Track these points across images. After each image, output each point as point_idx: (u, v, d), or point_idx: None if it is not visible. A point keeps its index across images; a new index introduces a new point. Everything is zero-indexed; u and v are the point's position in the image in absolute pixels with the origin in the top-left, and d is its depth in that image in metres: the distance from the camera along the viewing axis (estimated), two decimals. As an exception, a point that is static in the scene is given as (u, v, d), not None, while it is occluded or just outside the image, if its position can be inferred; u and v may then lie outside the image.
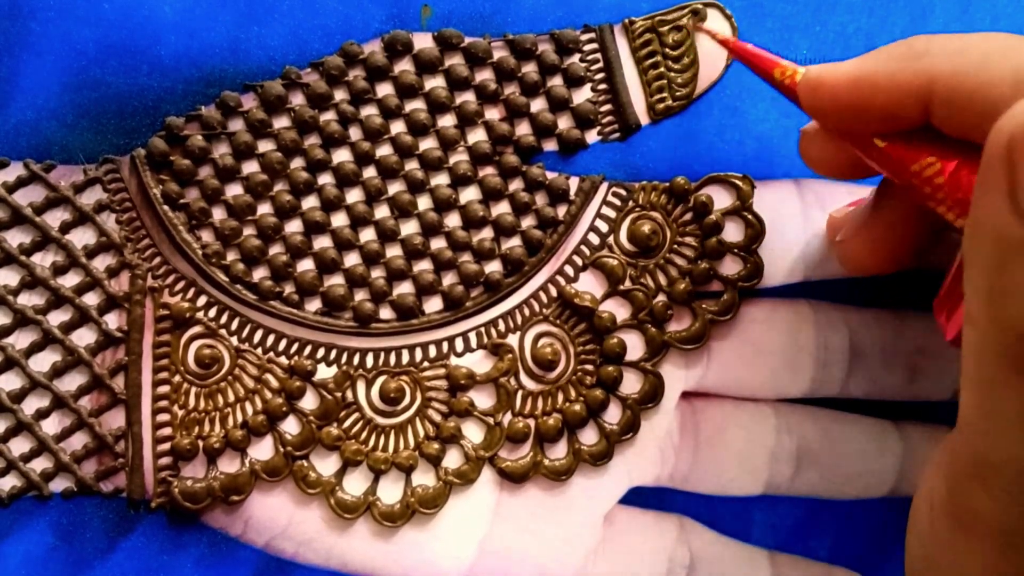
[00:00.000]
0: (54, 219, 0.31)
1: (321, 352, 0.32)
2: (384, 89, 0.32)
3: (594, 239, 0.32)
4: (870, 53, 0.25)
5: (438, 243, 0.32)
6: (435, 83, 0.32)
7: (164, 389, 0.31)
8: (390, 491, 0.31)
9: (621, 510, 0.32)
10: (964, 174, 0.24)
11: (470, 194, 0.32)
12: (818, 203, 0.32)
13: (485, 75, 0.32)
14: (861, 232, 0.29)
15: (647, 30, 0.32)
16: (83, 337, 0.31)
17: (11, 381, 0.31)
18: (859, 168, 0.27)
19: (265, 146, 0.31)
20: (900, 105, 0.24)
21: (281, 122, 0.31)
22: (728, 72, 0.32)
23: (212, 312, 0.31)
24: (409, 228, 0.32)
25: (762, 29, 0.32)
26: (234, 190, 0.31)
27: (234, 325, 0.31)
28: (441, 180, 0.32)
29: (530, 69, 0.32)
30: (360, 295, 0.32)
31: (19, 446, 0.31)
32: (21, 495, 0.31)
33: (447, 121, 0.32)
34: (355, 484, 0.31)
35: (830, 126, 0.26)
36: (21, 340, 0.31)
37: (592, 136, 0.32)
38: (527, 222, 0.32)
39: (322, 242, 0.32)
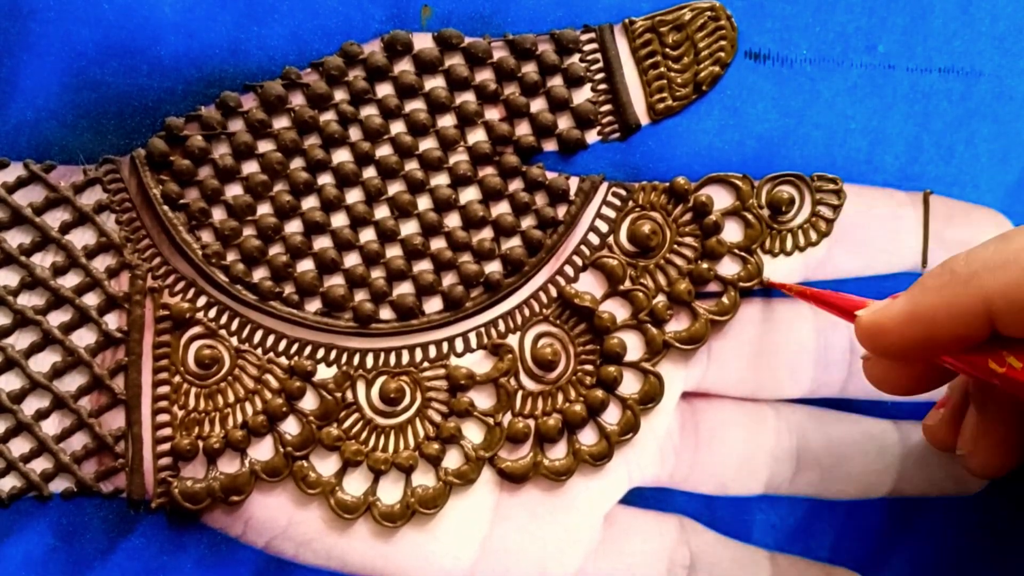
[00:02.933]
0: (54, 219, 0.31)
1: (321, 352, 0.32)
2: (384, 89, 0.32)
3: (594, 239, 0.32)
4: (914, 287, 0.26)
5: (438, 243, 0.32)
6: (435, 83, 0.32)
7: (164, 389, 0.31)
8: (390, 491, 0.31)
9: (621, 510, 0.32)
10: None
11: (470, 194, 0.32)
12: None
13: (485, 75, 0.32)
14: (982, 440, 0.29)
15: (647, 30, 0.32)
16: (83, 337, 0.31)
17: (11, 381, 0.31)
18: (929, 380, 0.28)
19: (265, 146, 0.31)
20: (965, 330, 0.24)
21: (281, 122, 0.31)
22: (728, 72, 0.32)
23: (212, 312, 0.31)
24: (409, 228, 0.32)
25: (762, 29, 0.32)
26: (234, 190, 0.31)
27: (234, 325, 0.31)
28: (441, 180, 0.32)
29: (530, 69, 0.32)
30: (360, 295, 0.32)
31: (19, 447, 0.31)
32: (21, 496, 0.31)
33: (447, 121, 0.32)
34: (355, 484, 0.31)
35: (895, 359, 0.27)
36: (21, 340, 0.31)
37: (592, 136, 0.32)
38: (527, 222, 0.32)
39: (322, 242, 0.32)
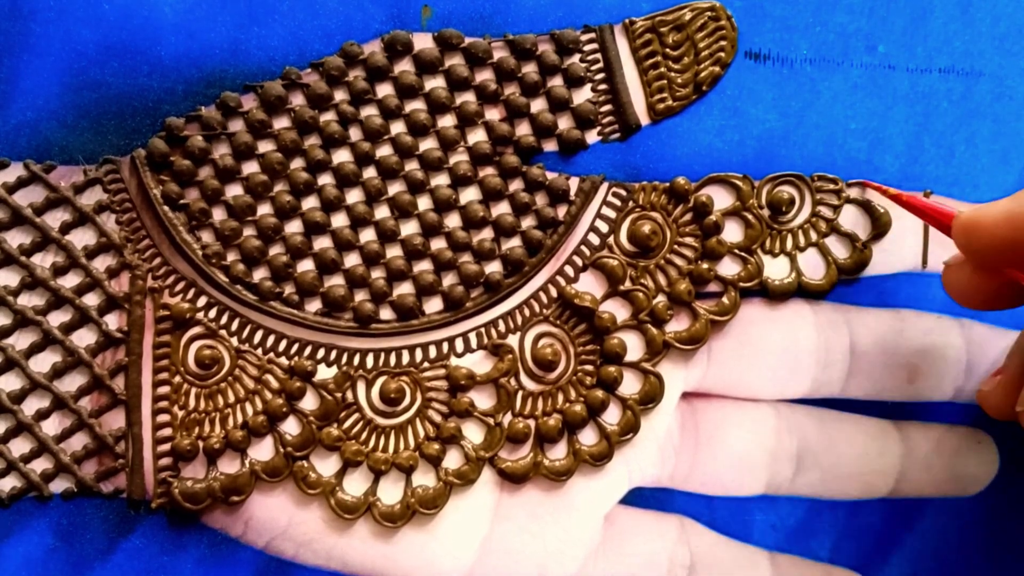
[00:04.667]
0: (54, 220, 0.31)
1: (321, 353, 0.32)
2: (384, 89, 0.32)
3: (594, 239, 0.32)
4: (1020, 193, 0.26)
5: (438, 243, 0.32)
6: (435, 83, 0.32)
7: (164, 390, 0.31)
8: (390, 491, 0.31)
9: (621, 510, 0.32)
10: None
11: (470, 194, 0.32)
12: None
13: (485, 75, 0.32)
14: None
15: (647, 30, 0.32)
16: (83, 338, 0.31)
17: (11, 382, 0.31)
18: (1004, 298, 0.27)
19: (265, 146, 0.31)
20: None
21: (281, 122, 0.31)
22: (728, 72, 0.32)
23: (212, 313, 0.31)
24: (409, 228, 0.32)
25: (762, 29, 0.32)
26: (234, 190, 0.31)
27: (234, 326, 0.31)
28: (441, 180, 0.32)
29: (530, 69, 0.32)
30: (360, 295, 0.32)
31: (19, 447, 0.31)
32: (21, 496, 0.31)
33: (447, 121, 0.32)
34: (355, 485, 0.31)
35: (986, 263, 0.27)
36: (21, 341, 0.31)
37: (592, 136, 0.32)
38: (527, 222, 0.32)
39: (322, 242, 0.32)
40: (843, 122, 0.33)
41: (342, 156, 0.32)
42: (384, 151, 0.32)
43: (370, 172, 0.32)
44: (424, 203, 0.32)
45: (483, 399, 0.32)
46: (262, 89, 0.31)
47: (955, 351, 0.32)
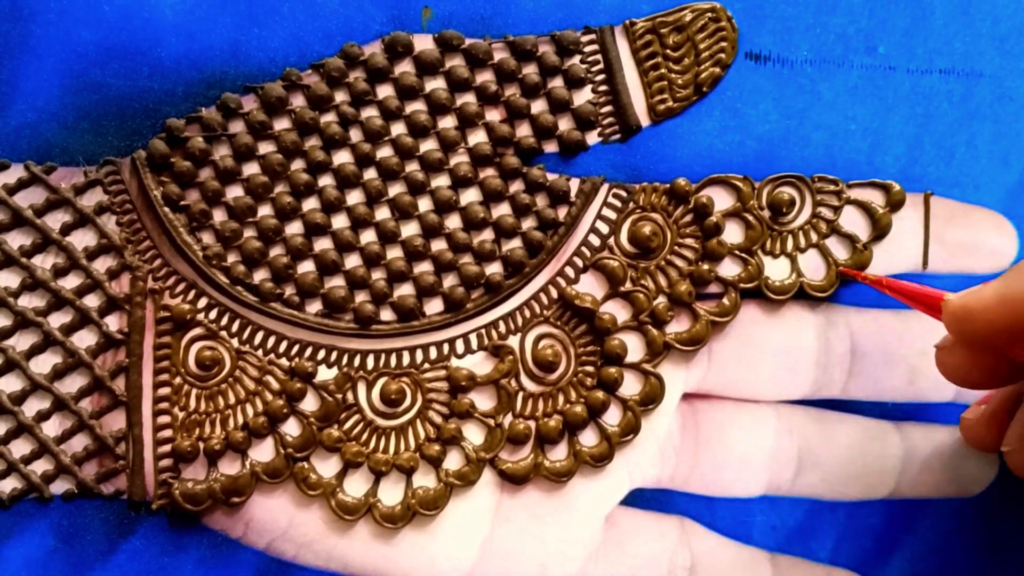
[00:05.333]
0: (55, 221, 0.31)
1: (322, 354, 0.32)
2: (385, 91, 0.32)
3: (595, 240, 0.32)
4: (1009, 272, 0.25)
5: (439, 245, 0.32)
6: (436, 84, 0.32)
7: (165, 391, 0.31)
8: (391, 493, 0.31)
9: (622, 511, 0.32)
10: None
11: (471, 196, 0.32)
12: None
13: (486, 76, 0.32)
14: None
15: (648, 31, 0.32)
16: (84, 339, 0.31)
17: (12, 383, 0.31)
18: (1000, 375, 0.27)
19: (266, 148, 0.31)
20: None
21: (282, 124, 0.31)
22: (729, 73, 0.32)
23: (213, 314, 0.31)
24: (410, 229, 0.32)
25: (763, 30, 0.32)
26: (235, 192, 0.31)
27: (235, 327, 0.31)
28: (442, 181, 0.32)
29: (531, 70, 0.32)
30: (361, 297, 0.32)
31: (20, 448, 0.31)
32: (22, 497, 0.31)
33: (448, 122, 0.32)
34: (356, 486, 0.31)
35: (980, 347, 0.27)
36: (22, 342, 0.31)
37: (593, 137, 0.32)
38: (528, 223, 0.32)
39: (323, 244, 0.32)
40: (843, 123, 0.33)
41: (343, 157, 0.32)
42: (385, 152, 0.32)
43: (371, 173, 0.32)
44: (425, 204, 0.32)
45: (484, 400, 0.32)
46: (263, 90, 0.31)
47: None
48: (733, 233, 0.32)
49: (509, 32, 0.32)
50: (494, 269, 0.32)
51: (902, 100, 0.33)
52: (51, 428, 0.31)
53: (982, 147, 0.33)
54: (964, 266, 0.32)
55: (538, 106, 0.32)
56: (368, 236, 0.32)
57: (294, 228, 0.32)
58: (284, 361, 0.31)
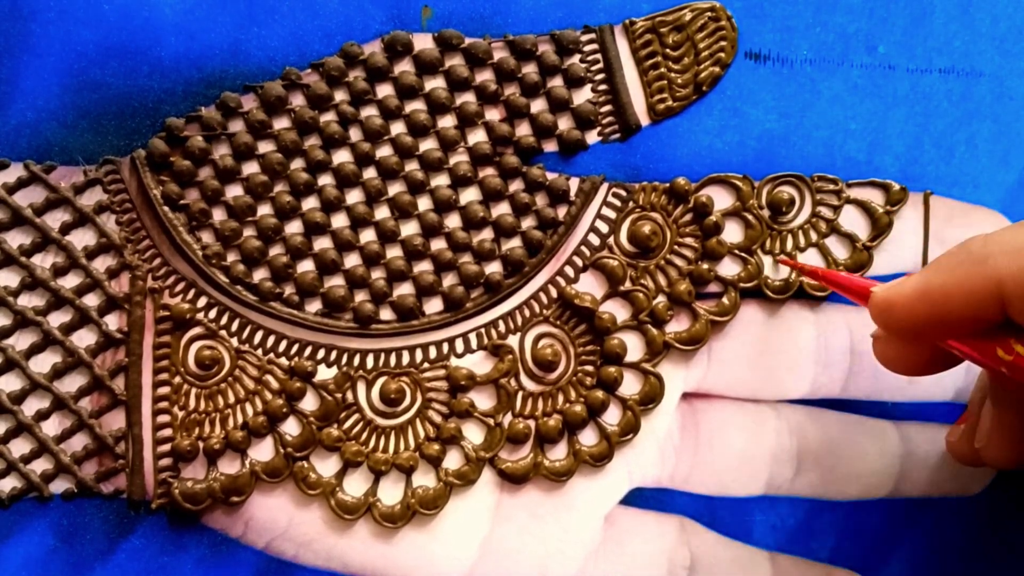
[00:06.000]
0: (54, 220, 0.31)
1: (321, 353, 0.32)
2: (384, 90, 0.32)
3: (594, 240, 0.32)
4: (930, 265, 0.25)
5: (438, 244, 0.32)
6: (435, 84, 0.32)
7: (164, 390, 0.31)
8: (390, 492, 0.31)
9: (622, 511, 0.32)
10: None
11: (470, 195, 0.32)
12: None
13: (485, 76, 0.32)
14: (996, 433, 0.29)
15: (647, 31, 0.32)
16: (83, 338, 0.31)
17: (11, 382, 0.31)
18: (937, 363, 0.27)
19: (265, 147, 0.31)
20: (975, 311, 0.24)
21: (281, 123, 0.31)
22: (728, 73, 0.32)
23: (212, 313, 0.31)
24: (409, 229, 0.32)
25: (762, 30, 0.32)
26: (234, 191, 0.31)
27: (234, 326, 0.31)
28: (441, 181, 0.32)
29: (530, 70, 0.32)
30: (360, 296, 0.32)
31: (19, 447, 0.31)
32: (21, 496, 0.31)
33: (447, 122, 0.32)
34: (355, 485, 0.31)
35: (906, 338, 0.27)
36: (21, 341, 0.31)
37: (592, 137, 0.32)
38: (527, 223, 0.32)
39: (322, 243, 0.32)
40: (843, 122, 0.33)
41: (342, 156, 0.32)
42: (384, 151, 0.32)
43: (370, 172, 0.32)
44: (424, 203, 0.32)
45: (483, 399, 0.32)
46: (262, 90, 0.31)
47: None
48: (733, 232, 0.32)
49: (509, 31, 0.32)
50: (494, 268, 0.32)
51: (902, 99, 0.33)
52: (51, 427, 0.31)
53: (982, 146, 0.33)
54: None
55: (538, 105, 0.32)
56: (368, 235, 0.32)
57: (294, 227, 0.32)
58: (284, 360, 0.31)
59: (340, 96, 0.32)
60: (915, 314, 0.25)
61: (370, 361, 0.32)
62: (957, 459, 0.32)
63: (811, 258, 0.32)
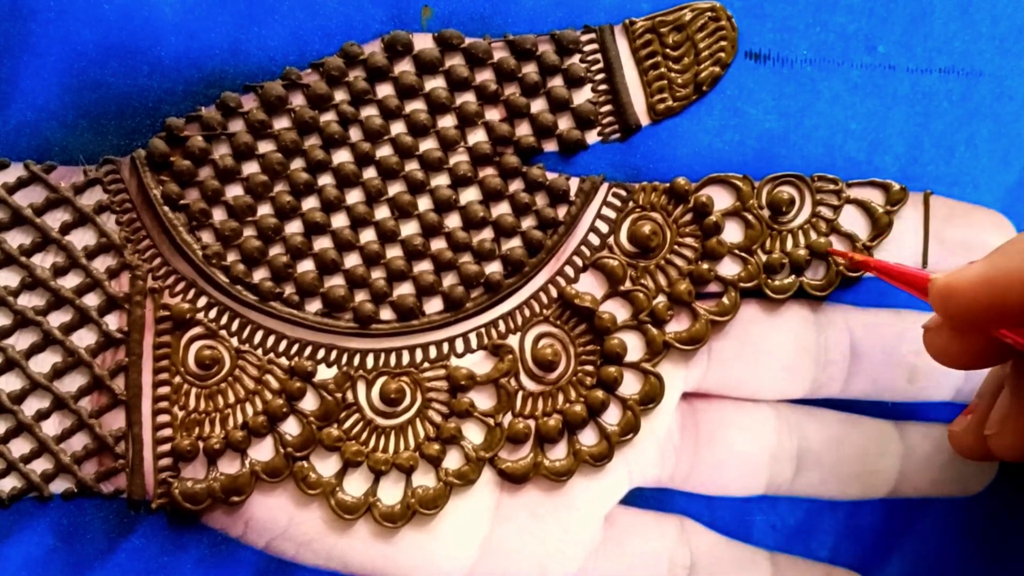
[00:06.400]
0: (54, 220, 0.31)
1: (321, 353, 0.32)
2: (384, 90, 0.32)
3: (594, 240, 0.32)
4: (994, 253, 0.25)
5: (438, 244, 0.32)
6: (435, 84, 0.32)
7: (164, 390, 0.31)
8: (390, 492, 0.31)
9: (621, 511, 0.32)
10: None
11: (470, 195, 0.32)
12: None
13: (485, 76, 0.32)
14: (1011, 421, 0.28)
15: (647, 31, 0.32)
16: (83, 338, 0.31)
17: (11, 382, 0.31)
18: (987, 357, 0.27)
19: (265, 147, 0.31)
20: None
21: (281, 123, 0.31)
22: (728, 73, 0.32)
23: (212, 313, 0.31)
24: (409, 229, 0.32)
25: (762, 30, 0.32)
26: (234, 191, 0.31)
27: (234, 326, 0.31)
28: (441, 181, 0.32)
29: (530, 70, 0.32)
30: (360, 296, 0.32)
31: (19, 447, 0.31)
32: (21, 496, 0.31)
33: (447, 122, 0.32)
34: (355, 485, 0.31)
35: (965, 327, 0.27)
36: (21, 341, 0.31)
37: (592, 136, 0.32)
38: (527, 223, 0.32)
39: (322, 243, 0.32)
40: (843, 122, 0.33)
41: (342, 156, 0.32)
42: (384, 151, 0.32)
43: (370, 172, 0.32)
44: (424, 203, 0.32)
45: (483, 399, 0.32)
46: (262, 89, 0.31)
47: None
48: (733, 232, 0.32)
49: (509, 31, 0.32)
50: (494, 268, 0.32)
51: (902, 99, 0.33)
52: (51, 427, 0.31)
53: (982, 146, 0.33)
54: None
55: (538, 105, 0.32)
56: (368, 235, 0.32)
57: (294, 227, 0.32)
58: (284, 360, 0.31)
59: (340, 96, 0.32)
60: (977, 300, 0.25)
61: (370, 361, 0.32)
62: (958, 450, 0.32)
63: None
